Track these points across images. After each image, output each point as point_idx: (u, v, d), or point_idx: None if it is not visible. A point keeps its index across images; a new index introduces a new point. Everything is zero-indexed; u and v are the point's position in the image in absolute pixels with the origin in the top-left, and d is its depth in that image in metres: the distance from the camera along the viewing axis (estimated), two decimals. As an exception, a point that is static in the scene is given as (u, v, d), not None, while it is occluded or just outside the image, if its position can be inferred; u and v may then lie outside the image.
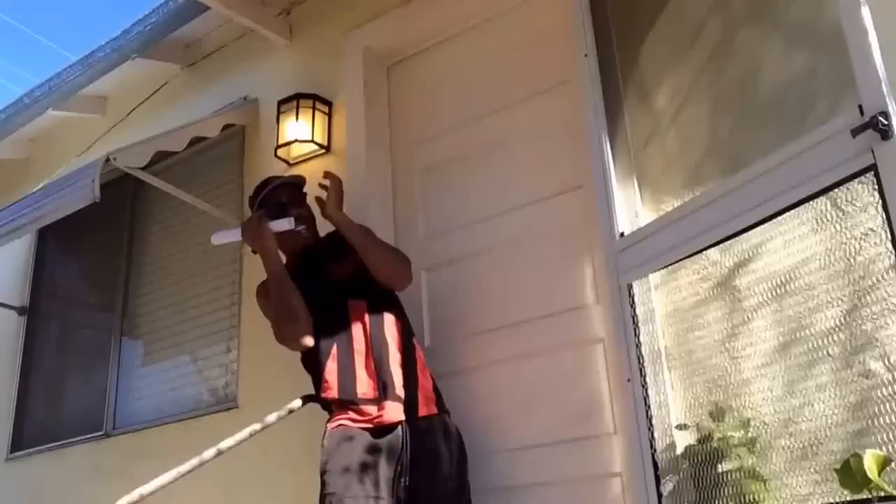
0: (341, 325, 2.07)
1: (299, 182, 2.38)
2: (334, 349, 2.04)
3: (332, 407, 2.05)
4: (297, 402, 2.10)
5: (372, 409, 1.98)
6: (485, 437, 2.25)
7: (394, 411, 1.98)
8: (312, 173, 2.93)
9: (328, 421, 2.03)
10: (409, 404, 2.01)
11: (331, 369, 2.03)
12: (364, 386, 2.00)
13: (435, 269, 2.42)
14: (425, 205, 2.70)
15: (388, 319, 2.11)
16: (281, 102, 2.93)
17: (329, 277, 2.16)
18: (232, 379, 2.92)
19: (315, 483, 2.56)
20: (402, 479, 1.93)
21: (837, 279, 1.60)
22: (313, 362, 2.08)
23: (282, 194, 2.29)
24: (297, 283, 2.11)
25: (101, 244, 3.72)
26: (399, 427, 1.97)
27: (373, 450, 1.94)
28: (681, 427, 1.87)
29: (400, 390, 2.01)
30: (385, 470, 1.92)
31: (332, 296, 2.11)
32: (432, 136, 2.75)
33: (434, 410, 2.05)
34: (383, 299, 2.14)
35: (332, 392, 2.02)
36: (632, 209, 2.09)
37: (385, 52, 2.94)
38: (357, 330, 2.07)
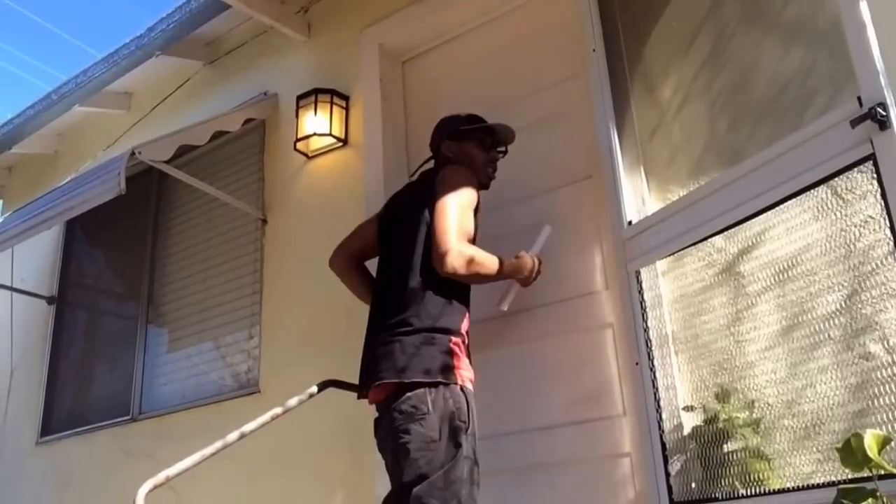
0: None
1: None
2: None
3: (459, 348, 1.88)
4: (317, 387, 2.15)
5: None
6: (497, 418, 2.30)
7: None
8: (331, 166, 3.01)
9: (455, 368, 1.84)
10: None
11: (466, 326, 1.94)
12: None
13: (450, 257, 2.45)
14: (440, 196, 2.75)
15: None
16: (300, 97, 3.00)
17: None
18: (254, 364, 2.98)
19: (334, 465, 2.62)
20: None
21: (838, 265, 1.64)
22: (466, 298, 1.98)
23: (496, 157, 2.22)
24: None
25: (127, 235, 3.79)
26: None
27: None
28: (688, 408, 1.91)
29: None
30: None
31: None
32: (447, 129, 2.80)
33: None
34: None
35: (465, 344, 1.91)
36: (639, 198, 2.13)
37: (400, 48, 2.99)
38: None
